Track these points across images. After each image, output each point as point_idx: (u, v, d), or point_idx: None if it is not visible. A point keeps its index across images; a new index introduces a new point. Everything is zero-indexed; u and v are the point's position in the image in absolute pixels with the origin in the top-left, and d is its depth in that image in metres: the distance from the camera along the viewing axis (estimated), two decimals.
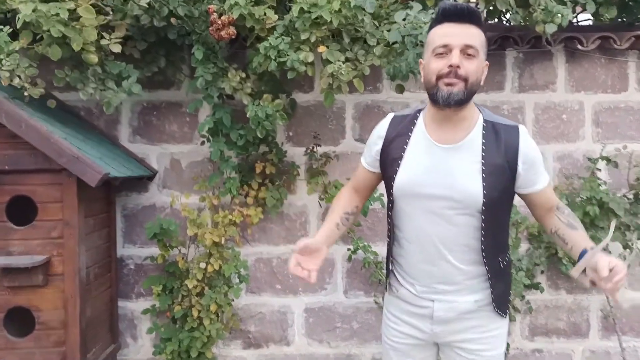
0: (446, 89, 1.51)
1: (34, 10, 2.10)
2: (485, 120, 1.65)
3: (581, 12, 3.25)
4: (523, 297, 3.13)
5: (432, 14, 2.41)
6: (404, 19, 2.37)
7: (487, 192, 1.58)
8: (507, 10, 2.71)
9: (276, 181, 3.07)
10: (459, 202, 1.60)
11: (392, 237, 1.79)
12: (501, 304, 1.73)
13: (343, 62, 2.45)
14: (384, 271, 1.96)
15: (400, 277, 1.78)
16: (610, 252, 1.63)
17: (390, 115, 1.76)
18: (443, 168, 1.61)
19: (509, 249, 1.81)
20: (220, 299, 2.91)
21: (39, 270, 2.42)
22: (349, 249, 3.09)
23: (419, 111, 1.72)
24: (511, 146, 1.61)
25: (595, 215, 2.93)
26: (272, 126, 2.62)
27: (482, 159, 1.59)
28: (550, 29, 2.57)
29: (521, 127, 1.65)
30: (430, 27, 1.59)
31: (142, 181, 3.14)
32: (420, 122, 1.68)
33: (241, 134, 2.76)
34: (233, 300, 3.06)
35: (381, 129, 1.74)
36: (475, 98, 3.08)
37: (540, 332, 3.23)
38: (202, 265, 2.91)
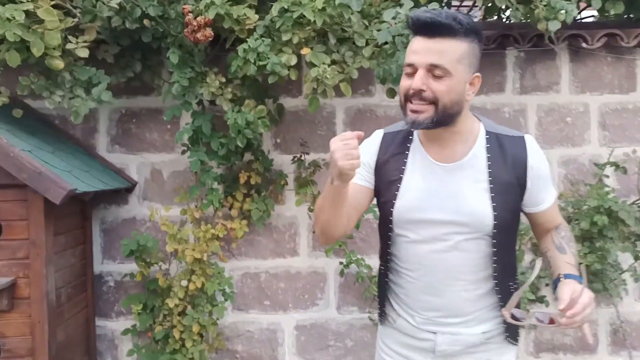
0: (412, 115, 1.36)
1: None
2: (487, 132, 1.47)
3: (585, 8, 3.07)
4: (527, 311, 2.94)
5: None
6: (394, 18, 2.18)
7: (498, 213, 1.41)
8: (507, 7, 2.52)
9: (262, 192, 2.89)
10: (466, 226, 1.43)
11: (387, 265, 1.59)
12: (513, 331, 1.55)
13: (329, 65, 2.26)
14: (377, 295, 1.75)
15: (397, 306, 1.59)
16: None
17: (380, 132, 1.58)
18: (446, 190, 1.44)
19: (517, 270, 1.63)
20: (203, 319, 2.73)
21: (4, 294, 2.24)
22: (341, 263, 2.92)
23: None
24: (519, 160, 1.44)
25: (604, 225, 2.74)
26: (253, 134, 2.43)
27: (489, 176, 1.42)
28: (554, 26, 2.38)
29: (527, 137, 1.47)
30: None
31: (121, 193, 2.96)
32: (415, 138, 1.50)
33: (222, 142, 2.58)
34: (218, 319, 2.87)
35: (373, 145, 1.56)
36: (475, 100, 2.96)
37: (546, 348, 3.04)
38: (184, 283, 2.73)
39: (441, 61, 1.31)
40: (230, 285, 2.83)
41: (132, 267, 2.91)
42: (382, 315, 1.65)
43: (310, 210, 2.94)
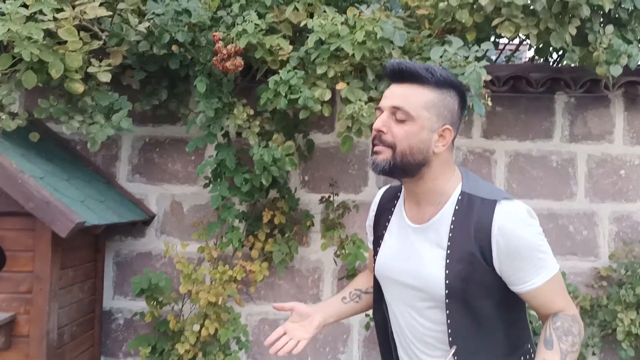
0: (372, 157, 1.34)
1: (7, 31, 1.81)
2: (461, 193, 1.30)
3: None
4: None
5: (477, 51, 2.05)
6: (441, 56, 2.01)
7: (450, 281, 1.26)
8: (562, 49, 2.33)
9: (286, 232, 2.71)
10: (423, 291, 1.32)
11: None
12: None
13: (365, 103, 2.09)
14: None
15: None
16: None
17: (383, 189, 1.58)
18: (410, 252, 1.37)
19: (520, 348, 1.37)
20: None
21: (2, 331, 2.12)
22: (367, 315, 2.69)
23: None
24: (482, 227, 1.24)
25: None
26: (279, 172, 2.26)
27: (449, 241, 1.28)
28: (616, 71, 2.20)
29: (501, 203, 1.25)
30: None
31: (138, 225, 2.82)
32: (401, 195, 1.47)
33: (247, 178, 2.42)
34: None
35: (373, 204, 1.58)
36: (520, 146, 2.76)
37: None
38: (196, 327, 2.54)
39: (403, 104, 1.28)
40: (245, 333, 2.63)
41: (143, 304, 2.75)
42: None
43: (337, 255, 2.73)
